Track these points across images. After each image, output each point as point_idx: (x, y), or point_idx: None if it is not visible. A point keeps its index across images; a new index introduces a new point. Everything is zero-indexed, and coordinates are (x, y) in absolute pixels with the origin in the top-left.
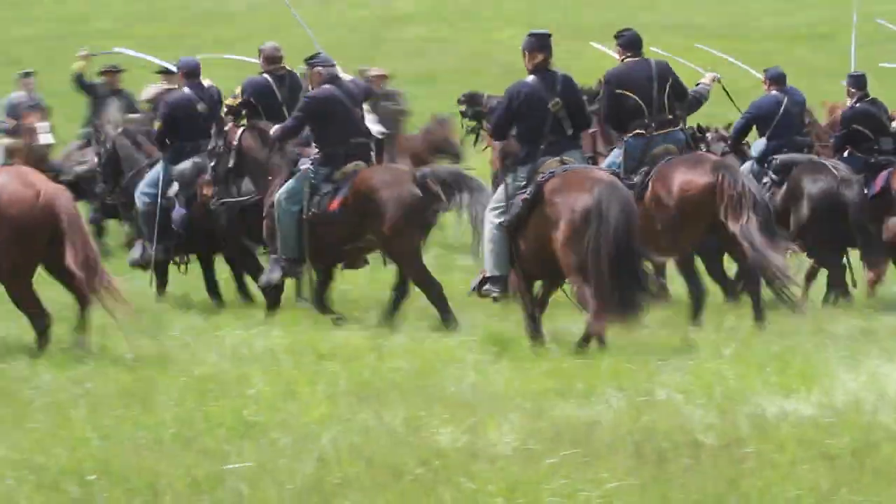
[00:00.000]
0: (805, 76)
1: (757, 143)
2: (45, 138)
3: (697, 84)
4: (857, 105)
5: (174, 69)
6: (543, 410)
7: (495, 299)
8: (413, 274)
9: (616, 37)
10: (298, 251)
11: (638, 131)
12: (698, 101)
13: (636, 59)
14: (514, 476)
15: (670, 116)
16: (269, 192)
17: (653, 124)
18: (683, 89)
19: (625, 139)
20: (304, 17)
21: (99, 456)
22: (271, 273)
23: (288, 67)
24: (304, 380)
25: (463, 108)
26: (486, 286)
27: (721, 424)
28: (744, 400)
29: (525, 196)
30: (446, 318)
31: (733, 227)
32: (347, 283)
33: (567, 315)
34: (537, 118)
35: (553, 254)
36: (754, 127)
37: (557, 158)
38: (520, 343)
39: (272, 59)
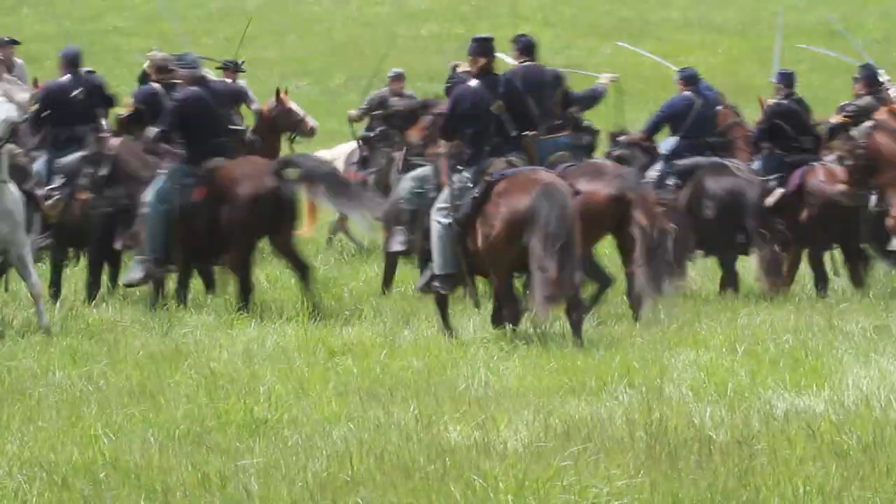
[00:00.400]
0: (820, 72)
1: (667, 141)
2: None
3: (594, 85)
4: (783, 101)
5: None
6: (554, 407)
7: (442, 296)
8: (234, 263)
9: (513, 41)
10: (163, 251)
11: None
12: (594, 98)
13: (531, 63)
14: (524, 473)
15: (559, 122)
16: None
17: (543, 126)
18: (570, 97)
19: None
20: (321, 13)
21: (109, 453)
22: (133, 273)
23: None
24: (316, 377)
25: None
26: (435, 283)
27: (732, 421)
28: (755, 396)
29: (475, 195)
30: (243, 306)
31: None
32: (357, 279)
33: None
34: (482, 121)
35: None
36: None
37: (503, 159)
38: (531, 340)
39: (161, 70)
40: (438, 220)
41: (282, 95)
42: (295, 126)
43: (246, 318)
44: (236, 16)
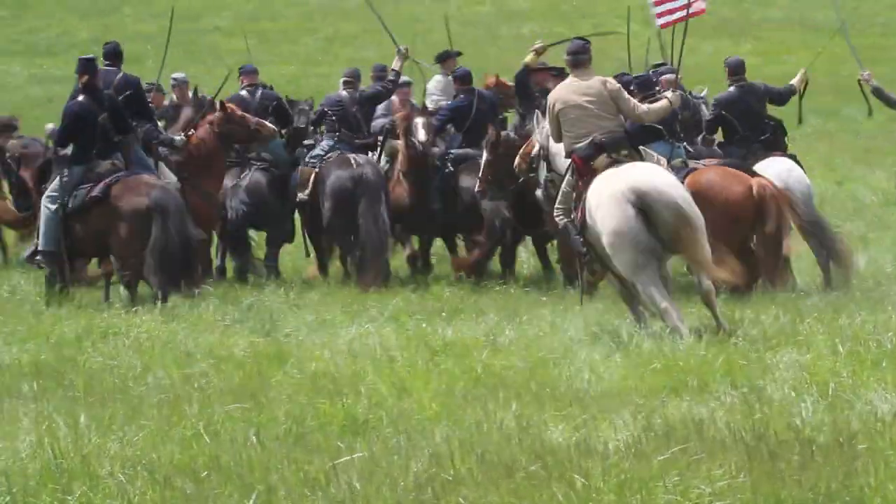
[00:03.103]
0: None
1: (454, 137)
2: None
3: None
4: None
5: None
6: (656, 407)
7: (40, 267)
8: None
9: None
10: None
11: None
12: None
13: (109, 68)
14: (626, 473)
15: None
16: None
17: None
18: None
19: None
20: (421, 13)
21: (211, 452)
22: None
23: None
24: (417, 377)
25: None
26: (37, 257)
27: (834, 421)
28: (857, 397)
29: (95, 194)
30: None
31: None
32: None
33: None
34: (90, 128)
35: (108, 243)
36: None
37: (109, 162)
38: (633, 340)
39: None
40: (47, 205)
41: None
42: None
43: (347, 318)
44: (336, 15)
